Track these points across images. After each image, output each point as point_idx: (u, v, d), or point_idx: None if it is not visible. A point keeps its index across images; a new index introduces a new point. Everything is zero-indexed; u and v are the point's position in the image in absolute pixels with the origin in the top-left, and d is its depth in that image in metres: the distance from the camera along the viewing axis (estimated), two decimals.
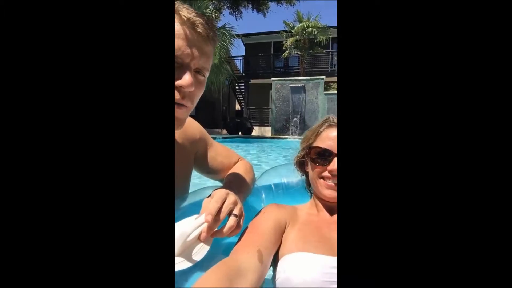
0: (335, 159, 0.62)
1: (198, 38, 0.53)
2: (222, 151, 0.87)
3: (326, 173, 0.64)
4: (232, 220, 0.53)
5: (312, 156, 0.66)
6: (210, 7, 8.36)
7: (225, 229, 0.53)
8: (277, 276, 0.55)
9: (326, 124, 0.68)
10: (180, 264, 0.48)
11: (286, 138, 8.62)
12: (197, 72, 0.55)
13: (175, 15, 0.53)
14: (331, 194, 0.63)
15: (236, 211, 0.54)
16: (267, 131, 11.06)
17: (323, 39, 10.62)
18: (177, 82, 0.52)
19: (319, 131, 0.68)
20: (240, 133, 10.35)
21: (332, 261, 0.53)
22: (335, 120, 0.68)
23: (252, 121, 11.58)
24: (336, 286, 0.50)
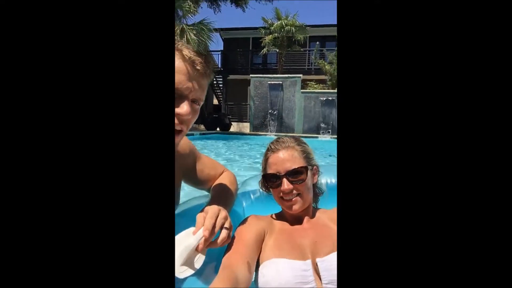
0: (284, 179, 0.74)
1: (196, 74, 0.63)
2: (209, 163, 0.97)
3: (281, 194, 0.76)
4: (224, 233, 0.65)
5: (267, 182, 0.80)
6: (188, 1, 8.21)
7: (219, 241, 0.64)
8: (259, 280, 0.68)
9: (269, 152, 0.80)
10: (185, 272, 0.59)
11: (265, 134, 8.78)
12: (193, 101, 0.65)
13: (177, 52, 0.62)
14: (291, 208, 0.76)
15: (226, 224, 0.66)
16: (246, 127, 11.15)
17: (300, 37, 10.83)
18: (176, 110, 0.62)
19: (266, 159, 0.81)
20: (218, 129, 10.35)
21: (303, 264, 0.66)
22: (276, 146, 0.79)
23: (230, 117, 11.60)
24: (306, 286, 0.63)
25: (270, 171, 0.77)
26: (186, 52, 0.62)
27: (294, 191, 0.75)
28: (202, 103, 0.68)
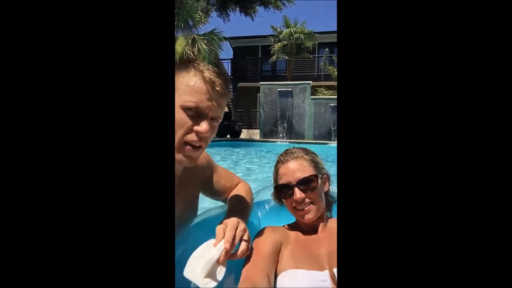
0: (296, 189, 0.76)
1: (216, 94, 0.67)
2: (225, 174, 1.00)
3: (294, 203, 0.78)
4: (243, 245, 0.67)
5: (279, 193, 0.82)
6: (199, 12, 8.42)
7: (239, 253, 0.67)
8: None
9: (279, 164, 0.82)
10: (209, 284, 0.61)
11: (275, 141, 8.80)
12: (212, 119, 0.69)
13: (199, 73, 0.66)
14: (305, 218, 0.78)
15: (245, 237, 0.68)
16: (256, 134, 11.19)
17: (309, 44, 10.88)
18: (196, 128, 0.66)
19: (276, 171, 0.83)
20: (228, 136, 10.43)
21: (321, 275, 0.68)
22: (285, 157, 0.81)
23: (240, 124, 11.67)
24: None
25: (281, 182, 0.80)
26: (207, 74, 0.67)
27: (307, 200, 0.77)
28: (220, 120, 0.72)
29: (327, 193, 0.86)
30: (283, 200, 0.82)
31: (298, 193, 0.76)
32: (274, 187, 0.84)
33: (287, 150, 0.84)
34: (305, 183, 0.76)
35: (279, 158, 0.83)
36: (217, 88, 0.67)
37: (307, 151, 0.84)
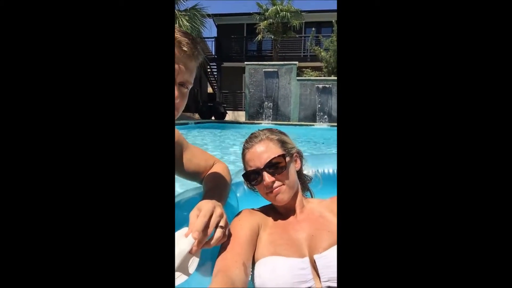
0: (264, 173, 0.71)
1: (183, 56, 0.58)
2: (198, 153, 0.91)
3: (265, 188, 0.72)
4: (219, 232, 0.60)
5: (249, 181, 0.76)
6: None
7: (213, 241, 0.59)
8: (255, 280, 0.64)
9: (245, 150, 0.76)
10: (179, 278, 0.54)
11: (260, 123, 8.70)
12: (181, 85, 0.60)
13: None
14: (279, 200, 0.72)
15: (222, 223, 0.60)
16: (241, 115, 11.05)
17: (296, 23, 10.60)
18: None
19: (243, 158, 0.77)
20: (213, 118, 10.25)
21: (300, 262, 0.62)
22: (250, 142, 0.75)
23: (225, 105, 11.45)
24: (304, 286, 0.58)
25: (249, 168, 0.74)
26: None
27: (277, 182, 0.71)
28: (190, 86, 0.63)
29: (300, 172, 0.80)
30: (253, 186, 0.76)
31: (267, 177, 0.70)
32: (242, 175, 0.78)
33: (251, 134, 0.78)
34: (273, 165, 0.71)
35: (244, 144, 0.77)
36: (184, 49, 0.58)
37: (272, 131, 0.78)
